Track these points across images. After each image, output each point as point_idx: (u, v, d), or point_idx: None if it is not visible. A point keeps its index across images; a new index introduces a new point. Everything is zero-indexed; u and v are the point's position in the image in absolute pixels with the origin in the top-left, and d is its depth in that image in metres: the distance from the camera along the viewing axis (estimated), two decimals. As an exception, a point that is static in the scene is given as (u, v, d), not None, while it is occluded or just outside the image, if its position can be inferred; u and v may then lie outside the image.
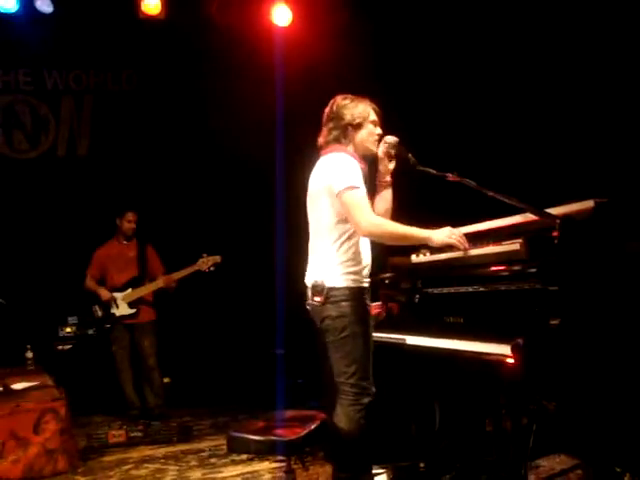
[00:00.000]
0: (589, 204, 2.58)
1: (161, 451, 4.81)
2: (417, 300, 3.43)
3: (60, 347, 5.88)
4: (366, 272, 3.15)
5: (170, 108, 6.79)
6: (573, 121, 4.23)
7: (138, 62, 6.85)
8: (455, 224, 3.09)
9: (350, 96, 3.18)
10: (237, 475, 4.14)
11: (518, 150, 4.56)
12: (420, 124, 5.11)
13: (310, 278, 3.11)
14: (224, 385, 6.31)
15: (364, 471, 3.19)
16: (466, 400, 3.62)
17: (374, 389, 3.11)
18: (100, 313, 5.64)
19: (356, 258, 3.08)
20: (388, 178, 3.24)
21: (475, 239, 3.11)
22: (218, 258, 5.57)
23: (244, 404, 5.80)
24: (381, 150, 3.18)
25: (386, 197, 3.26)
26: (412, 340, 3.26)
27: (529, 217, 2.80)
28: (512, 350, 2.49)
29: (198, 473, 4.24)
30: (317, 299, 3.03)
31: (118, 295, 5.62)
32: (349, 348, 3.02)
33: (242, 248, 6.46)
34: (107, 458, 4.69)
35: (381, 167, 3.22)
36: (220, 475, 4.18)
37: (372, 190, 3.20)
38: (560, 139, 4.30)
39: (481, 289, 2.90)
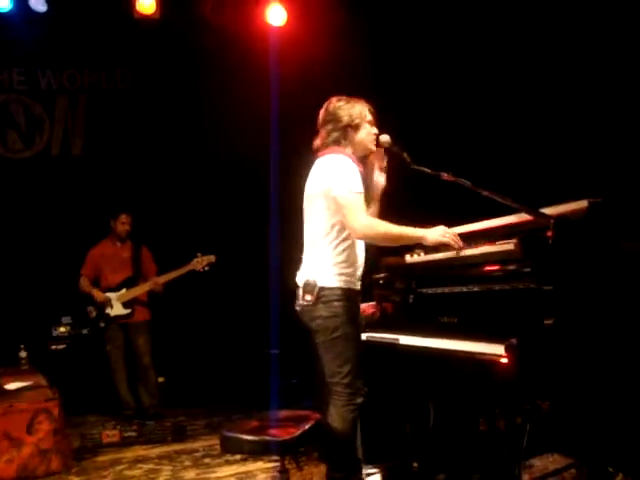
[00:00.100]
0: (583, 204, 2.59)
1: (155, 451, 4.80)
2: (411, 300, 3.43)
3: (54, 347, 5.85)
4: (359, 274, 3.16)
5: (164, 108, 6.78)
6: (567, 121, 4.23)
7: (132, 61, 6.84)
8: (449, 224, 3.10)
9: (345, 97, 3.19)
10: (231, 475, 4.13)
11: (513, 150, 4.56)
12: (415, 124, 5.12)
13: (302, 277, 3.11)
14: (218, 385, 6.31)
15: (356, 470, 3.20)
16: (460, 400, 3.62)
17: (366, 389, 3.11)
18: (94, 313, 5.63)
19: (350, 260, 3.08)
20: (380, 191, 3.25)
21: (469, 239, 3.12)
22: (212, 258, 5.57)
23: (238, 404, 5.79)
24: (377, 165, 3.19)
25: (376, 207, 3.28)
26: (406, 340, 3.26)
27: (523, 217, 2.80)
28: (506, 350, 2.49)
29: (192, 473, 4.24)
30: (308, 298, 3.03)
31: (112, 295, 5.61)
32: (341, 348, 3.03)
33: (236, 248, 6.45)
34: (101, 458, 4.68)
35: (377, 180, 3.23)
36: (214, 475, 4.17)
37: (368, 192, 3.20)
38: (554, 139, 4.31)
39: (475, 289, 2.90)
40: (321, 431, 3.01)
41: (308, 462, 4.03)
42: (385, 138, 3.19)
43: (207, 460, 4.50)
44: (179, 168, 6.81)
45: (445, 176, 3.03)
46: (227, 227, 6.66)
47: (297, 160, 3.54)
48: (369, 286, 3.55)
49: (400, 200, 4.84)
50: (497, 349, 2.55)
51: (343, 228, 3.04)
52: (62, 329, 5.90)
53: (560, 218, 2.57)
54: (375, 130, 3.21)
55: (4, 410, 4.25)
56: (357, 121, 3.14)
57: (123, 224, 5.69)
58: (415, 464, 3.73)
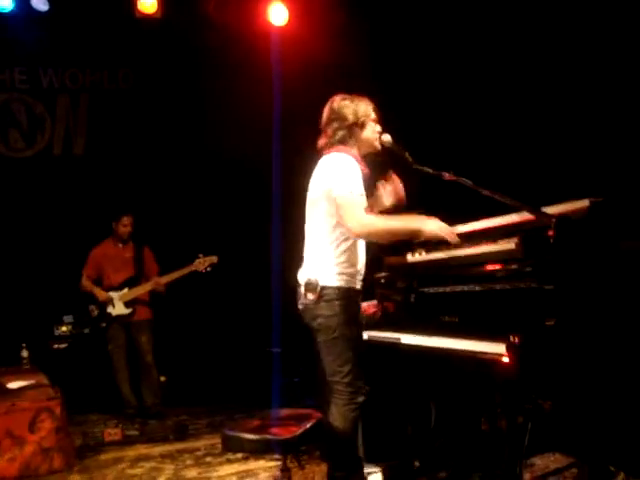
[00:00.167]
0: (584, 203, 2.60)
1: (157, 450, 4.80)
2: (413, 299, 3.44)
3: (56, 346, 5.88)
4: (360, 274, 3.16)
5: (166, 107, 6.78)
6: (569, 121, 4.23)
7: (134, 61, 6.84)
8: (451, 223, 3.10)
9: (349, 95, 3.18)
10: (233, 474, 4.13)
11: (514, 149, 4.56)
12: (416, 123, 5.12)
13: (304, 276, 3.11)
14: (220, 384, 6.31)
15: (358, 469, 3.21)
16: (461, 399, 3.63)
17: (368, 388, 3.12)
18: (96, 312, 5.63)
19: (351, 260, 3.09)
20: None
21: (471, 238, 3.13)
22: (215, 258, 5.57)
23: (240, 403, 5.80)
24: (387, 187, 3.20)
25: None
26: (407, 339, 3.27)
27: (525, 216, 2.81)
28: (507, 349, 2.50)
29: (194, 472, 4.24)
30: (310, 297, 3.03)
31: (115, 295, 5.61)
32: (342, 348, 3.03)
33: (238, 247, 6.45)
34: (103, 456, 4.68)
35: (384, 200, 3.22)
36: (216, 474, 4.17)
37: (371, 190, 3.20)
38: (556, 139, 4.31)
39: (476, 288, 2.91)
40: (322, 430, 3.02)
41: (310, 461, 4.03)
42: (386, 138, 3.19)
43: (209, 459, 4.51)
44: (181, 168, 6.81)
45: (446, 176, 3.03)
46: (229, 226, 6.66)
47: (299, 159, 3.55)
48: (371, 285, 3.55)
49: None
50: (498, 348, 2.56)
51: (344, 229, 3.04)
52: (64, 328, 5.93)
53: (561, 217, 2.57)
54: (379, 128, 3.21)
55: (6, 409, 4.26)
56: (362, 119, 3.14)
57: (125, 226, 5.69)
58: (417, 463, 3.73)
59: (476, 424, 3.56)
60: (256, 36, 6.17)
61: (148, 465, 4.45)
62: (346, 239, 3.06)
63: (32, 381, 4.63)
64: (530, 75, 4.53)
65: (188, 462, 4.47)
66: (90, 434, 5.09)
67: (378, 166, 3.28)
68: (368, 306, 3.58)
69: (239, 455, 4.35)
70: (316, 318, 3.05)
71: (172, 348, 6.19)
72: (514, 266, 2.68)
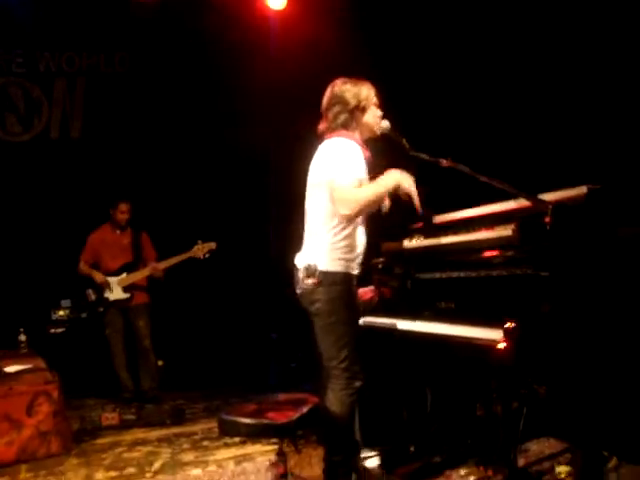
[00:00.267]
0: (582, 190, 2.60)
1: (154, 434, 4.83)
2: (409, 285, 3.45)
3: (53, 330, 5.89)
4: (359, 260, 3.16)
5: (163, 91, 6.75)
6: (567, 107, 4.22)
7: (131, 44, 6.80)
8: (448, 209, 3.11)
9: (350, 79, 3.16)
10: (229, 458, 4.16)
11: (511, 136, 4.55)
12: (414, 109, 5.10)
13: (302, 260, 3.11)
14: (217, 369, 6.33)
15: (354, 453, 3.23)
16: (457, 384, 3.66)
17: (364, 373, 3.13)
18: (94, 297, 5.63)
19: (351, 245, 3.09)
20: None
21: (468, 224, 3.13)
22: (213, 245, 5.56)
23: (237, 387, 5.82)
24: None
25: None
26: (403, 325, 3.28)
27: (522, 203, 2.81)
28: (503, 335, 2.51)
29: (191, 456, 4.27)
30: (308, 281, 3.03)
31: (113, 279, 5.61)
32: (340, 333, 3.03)
33: (236, 232, 6.45)
34: (100, 440, 4.71)
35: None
36: (212, 457, 4.20)
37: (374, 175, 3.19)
38: (553, 125, 4.30)
39: (473, 274, 2.92)
40: (319, 415, 3.03)
41: (306, 445, 4.05)
42: (385, 124, 3.18)
43: (206, 443, 4.54)
44: (178, 152, 6.79)
45: (444, 162, 3.03)
46: (227, 212, 6.66)
47: (297, 144, 3.53)
48: (368, 271, 3.56)
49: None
50: (494, 334, 2.57)
51: None
52: (61, 313, 5.93)
53: (558, 204, 2.58)
54: (380, 113, 3.20)
55: (4, 392, 4.27)
56: (364, 103, 3.12)
57: (122, 213, 5.68)
58: (412, 448, 3.76)
59: (471, 409, 3.59)
60: (254, 20, 6.13)
61: (145, 449, 4.47)
62: (346, 226, 3.05)
63: (30, 365, 4.65)
64: (527, 62, 4.52)
65: (185, 446, 4.49)
66: (87, 418, 5.11)
67: (380, 152, 3.27)
68: (365, 292, 3.59)
69: (236, 439, 4.37)
70: (314, 303, 3.05)
71: (169, 333, 6.20)
72: (511, 252, 2.69)
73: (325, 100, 3.17)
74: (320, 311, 3.04)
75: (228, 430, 2.91)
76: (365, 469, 3.54)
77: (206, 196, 6.71)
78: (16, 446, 4.23)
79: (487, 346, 2.61)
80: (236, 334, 6.55)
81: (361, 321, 3.41)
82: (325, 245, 3.05)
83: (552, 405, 3.07)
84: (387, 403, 3.82)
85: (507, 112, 4.62)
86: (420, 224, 3.59)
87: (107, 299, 5.58)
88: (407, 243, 3.55)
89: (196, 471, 3.96)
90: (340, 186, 2.92)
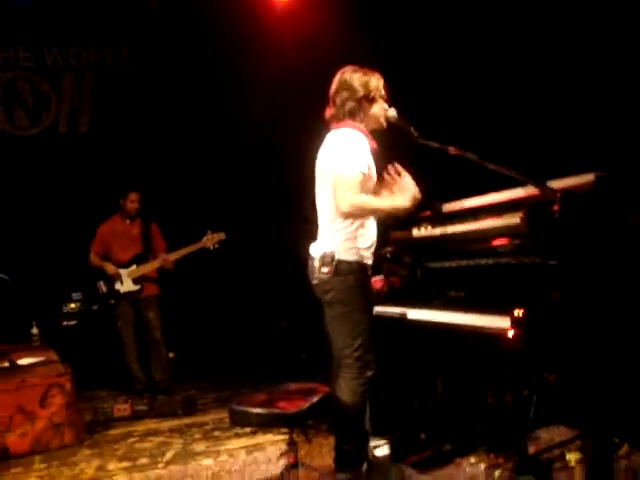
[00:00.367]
0: (590, 177, 2.59)
1: (166, 424, 4.86)
2: (419, 274, 3.45)
3: (65, 323, 5.92)
4: (372, 249, 3.18)
5: (171, 83, 6.77)
6: (575, 94, 4.20)
7: (138, 38, 6.81)
8: (456, 197, 3.11)
9: (360, 68, 3.15)
10: (241, 447, 4.18)
11: (519, 123, 4.53)
12: (421, 98, 5.08)
13: (318, 250, 3.11)
14: (228, 359, 6.36)
15: (365, 442, 3.24)
16: (467, 373, 3.66)
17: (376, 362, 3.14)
18: (104, 289, 5.66)
19: (365, 235, 3.10)
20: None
21: (476, 213, 3.13)
22: (223, 235, 5.56)
23: (248, 378, 5.85)
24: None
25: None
26: (413, 314, 3.29)
27: (530, 190, 2.81)
28: (512, 323, 2.51)
29: (202, 446, 4.30)
30: (324, 270, 3.04)
31: (123, 271, 5.63)
32: (354, 322, 3.05)
33: (245, 222, 6.47)
34: (113, 431, 4.75)
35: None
36: (224, 447, 4.23)
37: (380, 168, 3.19)
38: (561, 112, 4.27)
39: (482, 263, 2.92)
40: (329, 404, 3.04)
41: (317, 434, 4.08)
42: (392, 113, 3.18)
43: (217, 433, 4.56)
44: (186, 144, 6.81)
45: (452, 150, 3.02)
46: (236, 201, 6.67)
47: (305, 133, 3.53)
48: (377, 260, 3.56)
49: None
50: (504, 322, 2.57)
51: None
52: (72, 305, 5.96)
53: (566, 191, 2.57)
54: (386, 106, 3.19)
55: (17, 385, 4.31)
56: (373, 93, 3.12)
57: (132, 202, 5.69)
58: (423, 436, 3.78)
59: (482, 398, 3.60)
60: (260, 10, 6.12)
61: (157, 440, 4.50)
62: None
63: (42, 358, 4.69)
64: (534, 48, 4.49)
65: (196, 436, 4.52)
66: (100, 410, 5.15)
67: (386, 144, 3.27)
68: (374, 281, 3.59)
69: (247, 429, 4.39)
70: (329, 292, 3.06)
71: (180, 324, 6.23)
72: (519, 240, 2.68)
73: (334, 86, 3.16)
74: (335, 300, 3.06)
75: (239, 420, 2.93)
76: (375, 457, 3.56)
77: (215, 187, 6.72)
78: (30, 437, 4.27)
79: (496, 334, 2.62)
80: (246, 324, 6.57)
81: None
82: (339, 235, 3.06)
83: (562, 392, 3.07)
84: (397, 392, 3.83)
85: (514, 99, 4.60)
86: (428, 213, 3.59)
87: (118, 291, 5.61)
88: (416, 232, 3.55)
89: (208, 461, 3.99)
90: (341, 181, 2.94)
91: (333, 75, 3.17)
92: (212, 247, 5.54)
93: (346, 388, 3.07)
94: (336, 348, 3.12)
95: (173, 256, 5.62)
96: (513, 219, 2.72)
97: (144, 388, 5.60)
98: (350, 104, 3.09)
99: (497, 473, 3.26)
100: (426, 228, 3.46)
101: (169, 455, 4.15)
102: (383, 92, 3.16)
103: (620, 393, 2.74)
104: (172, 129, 6.79)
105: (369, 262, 3.15)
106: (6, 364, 4.53)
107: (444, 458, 3.56)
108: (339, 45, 5.37)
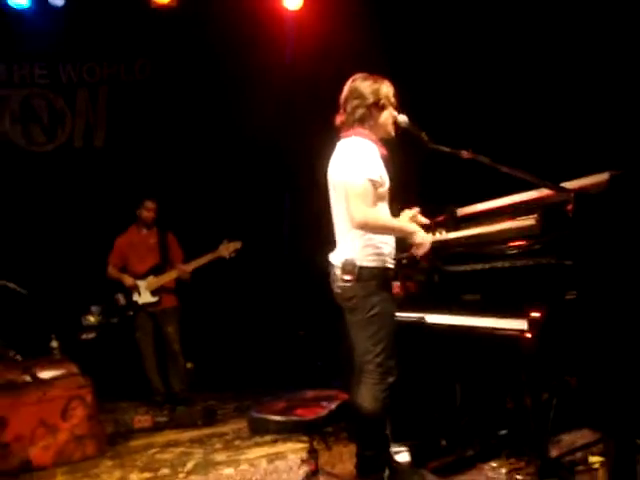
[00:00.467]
0: (604, 177, 2.58)
1: (186, 435, 4.88)
2: (436, 279, 3.45)
3: (84, 336, 5.96)
4: (393, 254, 3.19)
5: (184, 96, 6.82)
6: (588, 93, 4.18)
7: (151, 51, 6.88)
8: (470, 202, 3.10)
9: (371, 76, 3.17)
10: (261, 456, 4.18)
11: (531, 125, 4.52)
12: (432, 106, 5.08)
13: (339, 257, 3.13)
14: (247, 369, 6.37)
15: (386, 448, 3.24)
16: (486, 377, 3.64)
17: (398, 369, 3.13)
18: (123, 301, 5.68)
19: (384, 240, 3.12)
20: None
21: (491, 216, 3.12)
22: (239, 244, 5.57)
23: (267, 387, 5.85)
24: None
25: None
26: (431, 318, 3.28)
27: (544, 192, 2.80)
28: (529, 325, 2.50)
29: (223, 455, 4.31)
30: (347, 277, 3.05)
31: (141, 283, 5.66)
32: (376, 327, 3.05)
33: (261, 231, 6.49)
34: (134, 443, 4.77)
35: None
36: (244, 457, 4.23)
37: (392, 174, 3.20)
38: (574, 112, 4.26)
39: (498, 265, 2.91)
40: (348, 411, 3.04)
41: (337, 442, 4.07)
42: (403, 118, 3.19)
43: (237, 442, 4.57)
44: (201, 155, 6.85)
45: (464, 154, 3.02)
46: (251, 210, 6.70)
47: (317, 141, 3.54)
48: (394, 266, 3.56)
49: (420, 180, 4.85)
50: (521, 324, 2.56)
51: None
52: (91, 318, 5.99)
53: (581, 192, 2.56)
54: (396, 113, 3.20)
55: (39, 398, 4.35)
56: (383, 101, 3.13)
57: (148, 210, 5.72)
58: (443, 442, 3.75)
59: (502, 402, 3.57)
60: (271, 21, 6.16)
61: (178, 450, 4.52)
62: None
63: (63, 370, 4.71)
64: (546, 50, 4.48)
65: (217, 446, 4.53)
66: (120, 421, 5.18)
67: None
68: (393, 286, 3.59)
69: (267, 438, 4.39)
70: (352, 298, 3.07)
71: (199, 334, 6.25)
72: (534, 242, 2.67)
73: (344, 93, 3.18)
74: (357, 306, 3.07)
75: (258, 428, 2.95)
76: (396, 464, 3.55)
77: (230, 196, 6.75)
78: (52, 450, 4.31)
79: (514, 337, 2.61)
80: (264, 333, 6.58)
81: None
82: (359, 242, 3.08)
83: (584, 395, 3.04)
84: (416, 397, 3.81)
85: (527, 101, 4.58)
86: (443, 217, 3.59)
87: (136, 303, 5.64)
88: (431, 237, 3.54)
89: (228, 470, 3.99)
90: (353, 192, 2.98)
91: (343, 83, 3.19)
92: (229, 256, 5.55)
93: (367, 394, 3.07)
94: (358, 354, 3.12)
95: (190, 266, 5.64)
96: (528, 221, 2.70)
97: (164, 399, 5.62)
98: (360, 111, 3.11)
99: (519, 477, 3.24)
100: (440, 233, 3.45)
101: (190, 465, 4.16)
102: (393, 100, 3.18)
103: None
104: (186, 140, 6.83)
105: (391, 266, 3.17)
106: (27, 378, 4.56)
107: (465, 463, 3.54)
108: (349, 55, 5.40)
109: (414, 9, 5.58)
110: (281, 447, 4.28)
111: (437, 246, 3.43)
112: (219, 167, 6.82)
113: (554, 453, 3.41)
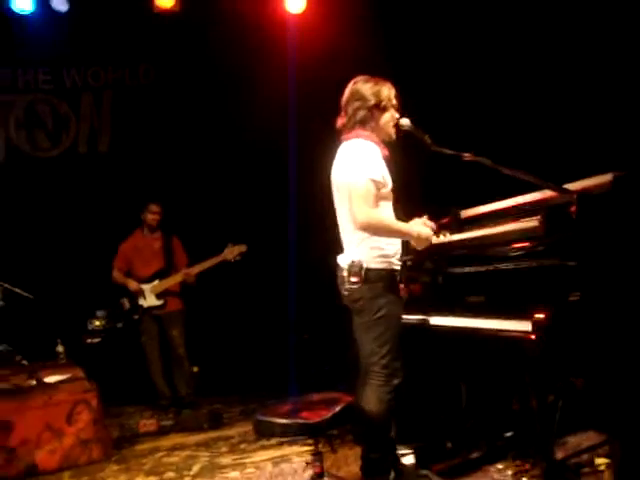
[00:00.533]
0: (607, 178, 2.58)
1: (192, 438, 4.88)
2: (440, 280, 3.45)
3: (89, 340, 5.97)
4: (399, 255, 3.20)
5: (188, 100, 6.83)
6: (591, 94, 4.18)
7: (155, 56, 6.90)
8: (473, 204, 3.10)
9: (372, 78, 3.17)
10: (267, 459, 4.19)
11: (534, 126, 4.52)
12: (435, 109, 5.08)
13: (346, 260, 3.13)
14: (253, 372, 6.37)
15: (392, 451, 3.23)
16: (491, 379, 3.64)
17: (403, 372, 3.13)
18: (128, 305, 5.71)
19: (390, 241, 3.12)
20: None
21: (494, 217, 3.13)
22: (244, 247, 5.58)
23: (273, 390, 5.85)
24: None
25: None
26: (435, 320, 3.29)
27: (547, 193, 2.80)
28: (533, 326, 2.50)
29: (229, 459, 4.31)
30: (354, 279, 3.05)
31: (146, 287, 5.67)
32: (382, 329, 3.05)
33: (266, 233, 6.49)
34: (140, 447, 4.78)
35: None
36: (250, 460, 4.23)
37: (395, 176, 3.21)
38: (576, 113, 4.26)
39: (501, 267, 2.91)
40: (352, 413, 3.04)
41: (342, 445, 4.07)
42: (405, 121, 3.19)
43: (243, 446, 4.57)
44: (205, 159, 6.85)
45: (466, 156, 3.03)
46: (256, 215, 6.70)
47: (320, 144, 3.55)
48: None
49: (423, 182, 4.85)
50: (525, 326, 2.56)
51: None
52: (97, 323, 6.00)
53: (584, 193, 2.56)
54: (397, 115, 3.20)
55: (44, 402, 4.36)
56: (385, 102, 3.13)
57: (153, 214, 5.73)
58: (449, 444, 3.75)
59: (507, 404, 3.57)
60: (273, 24, 6.18)
61: (183, 454, 4.52)
62: None
63: (68, 375, 4.73)
64: (548, 52, 4.48)
65: (223, 449, 4.54)
66: (126, 425, 5.19)
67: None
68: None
69: (273, 441, 4.41)
70: (358, 300, 3.08)
71: (203, 337, 6.25)
72: (537, 243, 2.67)
73: (345, 95, 3.19)
74: (363, 307, 3.07)
75: (263, 430, 2.95)
76: (402, 466, 3.54)
77: (234, 199, 6.75)
78: (58, 454, 4.32)
79: (519, 338, 2.61)
80: (269, 336, 6.57)
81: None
82: (365, 244, 3.08)
83: (589, 396, 3.03)
84: (422, 399, 3.81)
85: (529, 104, 4.58)
86: (447, 219, 3.59)
87: (141, 306, 5.65)
88: (435, 239, 3.54)
89: (234, 473, 4.00)
90: (356, 194, 2.99)
91: (346, 86, 3.20)
92: (233, 259, 5.56)
93: (373, 396, 3.07)
94: (364, 355, 3.13)
95: (195, 270, 5.65)
96: (531, 222, 2.70)
97: (169, 403, 5.63)
98: (361, 113, 3.12)
99: (525, 479, 3.23)
100: (444, 235, 3.45)
101: (196, 469, 4.17)
102: (394, 101, 3.18)
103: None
104: (190, 144, 6.84)
105: (397, 268, 3.17)
106: (33, 382, 4.58)
107: (471, 466, 3.53)
108: (352, 58, 5.41)
109: (416, 12, 5.59)
110: (287, 450, 4.28)
111: (441, 248, 3.44)
112: (223, 170, 6.82)
113: (560, 455, 3.41)
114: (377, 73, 3.23)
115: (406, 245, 3.68)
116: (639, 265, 2.52)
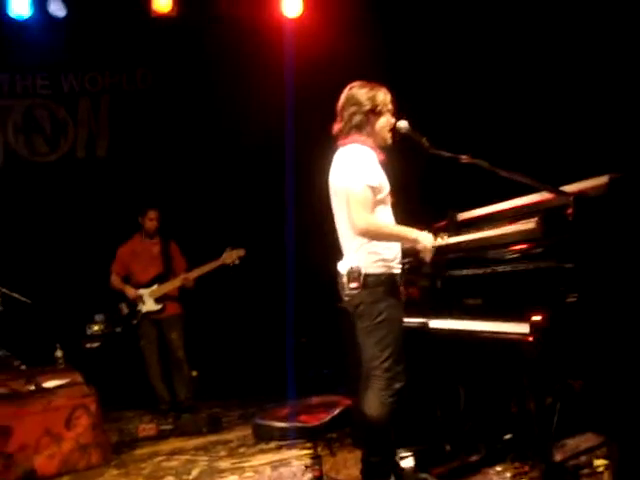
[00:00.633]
0: (604, 180, 2.59)
1: (191, 443, 4.88)
2: (439, 284, 3.45)
3: (88, 345, 5.97)
4: (398, 259, 3.19)
5: (186, 104, 6.84)
6: (588, 97, 4.19)
7: (152, 61, 6.91)
8: (470, 206, 3.10)
9: (367, 83, 3.18)
10: (266, 463, 4.18)
11: (530, 129, 4.53)
12: (432, 111, 5.09)
13: (345, 266, 3.14)
14: (252, 376, 6.37)
15: (392, 454, 3.23)
16: (490, 381, 3.64)
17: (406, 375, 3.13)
18: (127, 310, 5.70)
19: (388, 245, 3.12)
20: None
21: (491, 220, 3.13)
22: (242, 251, 5.58)
23: (272, 394, 5.84)
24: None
25: None
26: (434, 323, 3.29)
27: (544, 196, 2.81)
28: (531, 329, 2.50)
29: (227, 463, 4.31)
30: (353, 285, 3.06)
31: (144, 291, 5.67)
32: (383, 333, 3.05)
33: (265, 238, 6.49)
34: (139, 451, 4.77)
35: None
36: (249, 464, 4.23)
37: (393, 179, 3.22)
38: (573, 115, 4.27)
39: (499, 269, 2.91)
40: (351, 416, 3.04)
41: (342, 448, 4.07)
42: (403, 124, 3.19)
43: (242, 450, 4.57)
44: (203, 164, 6.86)
45: (464, 158, 3.03)
46: (255, 219, 6.70)
47: (314, 150, 3.56)
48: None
49: (421, 185, 4.86)
50: (522, 328, 2.56)
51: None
52: (96, 327, 6.01)
53: (580, 195, 2.57)
54: (393, 120, 3.21)
55: (43, 407, 4.36)
56: (380, 107, 3.14)
57: (151, 220, 5.74)
58: (447, 447, 3.75)
59: (506, 406, 3.57)
60: (270, 29, 6.19)
61: (183, 458, 4.52)
62: None
63: (67, 380, 4.72)
64: (545, 55, 4.49)
65: (222, 453, 4.54)
66: (125, 430, 5.19)
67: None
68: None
69: (272, 445, 4.40)
70: (359, 305, 3.08)
71: (202, 342, 6.25)
72: (535, 246, 2.67)
73: (341, 101, 3.20)
74: (365, 313, 3.08)
75: (262, 434, 2.96)
76: (402, 470, 3.54)
77: (232, 203, 6.76)
78: (57, 459, 4.31)
79: (517, 340, 2.61)
80: (269, 341, 6.57)
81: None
82: (364, 249, 3.09)
83: (588, 399, 3.04)
84: (420, 402, 3.81)
85: (525, 106, 4.60)
86: (444, 222, 3.60)
87: (140, 311, 5.65)
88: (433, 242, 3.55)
89: (233, 477, 4.00)
90: (354, 200, 3.00)
91: (339, 92, 3.21)
92: (232, 264, 5.56)
93: (374, 399, 3.06)
94: (365, 360, 3.13)
95: (194, 274, 5.65)
96: (528, 224, 2.70)
97: (168, 407, 5.62)
98: (357, 118, 3.12)
99: (524, 482, 3.23)
100: (442, 238, 3.45)
101: (195, 473, 4.17)
102: (390, 106, 3.18)
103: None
104: (188, 148, 6.85)
105: (397, 272, 3.17)
106: (32, 387, 4.57)
107: (470, 468, 3.53)
108: (349, 62, 5.42)
109: (414, 15, 5.61)
110: (286, 454, 4.28)
111: (439, 251, 3.44)
112: (221, 175, 6.83)
113: (559, 457, 3.40)
114: (374, 77, 3.24)
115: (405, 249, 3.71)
116: (636, 267, 2.52)
